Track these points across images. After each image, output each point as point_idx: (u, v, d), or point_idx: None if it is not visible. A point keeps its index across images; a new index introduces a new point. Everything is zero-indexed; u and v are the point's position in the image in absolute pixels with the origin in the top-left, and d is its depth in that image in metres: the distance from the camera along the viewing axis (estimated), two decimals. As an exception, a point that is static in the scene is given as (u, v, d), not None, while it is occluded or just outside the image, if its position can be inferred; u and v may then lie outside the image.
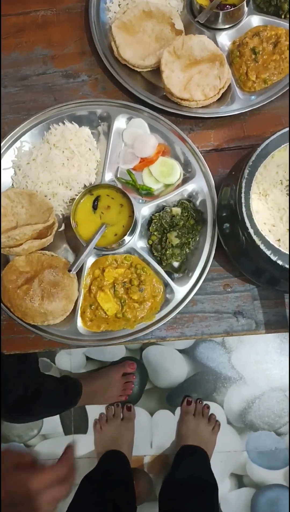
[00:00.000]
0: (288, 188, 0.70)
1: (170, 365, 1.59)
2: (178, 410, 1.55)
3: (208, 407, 1.52)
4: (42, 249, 0.81)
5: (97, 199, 0.80)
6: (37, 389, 1.10)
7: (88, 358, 1.61)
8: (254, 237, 0.65)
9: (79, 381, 1.43)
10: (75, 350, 1.61)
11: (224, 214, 0.76)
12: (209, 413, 1.51)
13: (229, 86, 0.86)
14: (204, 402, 1.53)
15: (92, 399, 1.48)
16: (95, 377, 1.52)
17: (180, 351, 1.60)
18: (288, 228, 0.69)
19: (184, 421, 1.50)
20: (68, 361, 1.61)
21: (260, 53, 0.86)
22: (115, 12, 0.93)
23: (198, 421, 1.49)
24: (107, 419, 1.52)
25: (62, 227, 0.85)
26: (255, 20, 0.90)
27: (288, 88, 0.85)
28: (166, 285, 0.80)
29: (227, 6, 0.88)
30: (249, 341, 1.59)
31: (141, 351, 1.60)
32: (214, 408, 1.54)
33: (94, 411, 1.56)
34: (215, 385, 1.57)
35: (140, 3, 0.88)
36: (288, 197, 0.70)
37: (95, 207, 0.80)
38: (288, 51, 0.85)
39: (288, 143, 0.68)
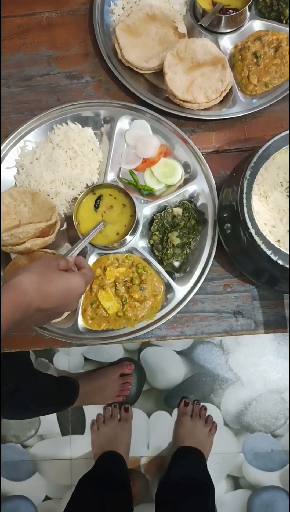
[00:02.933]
0: (288, 190, 0.71)
1: (167, 366, 1.60)
2: (175, 412, 1.56)
3: (205, 409, 1.53)
4: (45, 247, 0.81)
5: (99, 198, 0.81)
6: (29, 384, 1.10)
7: (86, 359, 1.61)
8: (255, 237, 0.66)
9: (76, 380, 1.43)
10: (73, 350, 1.62)
11: (225, 215, 0.77)
12: (206, 415, 1.52)
13: (231, 89, 0.88)
14: (201, 404, 1.54)
15: (89, 399, 1.49)
16: (92, 377, 1.52)
17: (178, 352, 1.60)
18: (288, 229, 0.70)
19: (181, 422, 1.51)
20: (66, 361, 1.62)
21: (262, 57, 0.87)
22: (119, 15, 0.94)
23: (195, 422, 1.49)
24: (104, 420, 1.52)
25: (64, 226, 0.86)
26: (257, 25, 0.91)
27: (288, 92, 0.86)
28: (167, 284, 0.81)
29: (230, 10, 0.89)
30: (247, 343, 1.59)
31: (139, 352, 1.61)
32: (211, 410, 1.54)
33: (91, 411, 1.56)
34: (212, 386, 1.57)
35: (144, 6, 0.89)
36: (288, 198, 0.71)
37: (97, 206, 0.81)
38: (288, 55, 0.86)
39: (289, 146, 0.69)
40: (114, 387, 1.52)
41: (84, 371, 1.60)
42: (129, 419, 1.53)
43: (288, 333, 0.79)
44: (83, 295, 0.80)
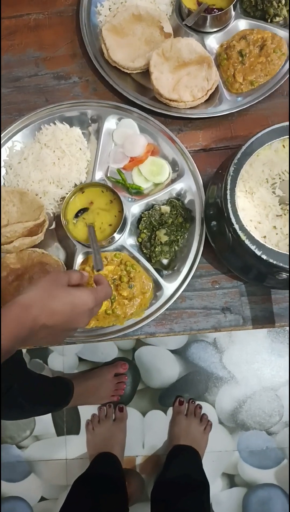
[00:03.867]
0: (273, 186, 0.72)
1: (162, 365, 1.60)
2: (170, 410, 1.56)
3: (200, 407, 1.53)
4: (33, 246, 0.82)
5: (83, 211, 0.81)
6: (22, 383, 1.11)
7: (80, 359, 1.61)
8: (239, 232, 0.66)
9: (71, 381, 1.43)
10: (67, 350, 1.62)
11: (211, 212, 0.78)
12: (201, 413, 1.52)
13: (217, 88, 0.88)
14: (196, 402, 1.54)
15: (84, 399, 1.49)
16: (87, 377, 1.52)
17: (172, 351, 1.61)
18: (273, 225, 0.71)
19: (176, 421, 1.51)
20: (61, 361, 1.62)
21: (247, 55, 0.88)
22: (105, 16, 0.95)
23: (190, 421, 1.49)
24: (99, 420, 1.52)
25: (53, 225, 0.86)
26: (242, 24, 0.92)
27: (274, 90, 0.87)
28: (155, 282, 0.81)
29: (215, 10, 0.90)
30: (240, 341, 1.60)
31: (134, 351, 1.61)
32: (206, 408, 1.55)
33: (86, 412, 1.57)
34: (207, 385, 1.58)
35: (130, 7, 0.90)
36: (273, 195, 0.72)
37: (77, 216, 0.81)
38: (273, 54, 0.87)
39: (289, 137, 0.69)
40: (109, 387, 1.52)
41: (78, 371, 1.61)
42: (124, 419, 1.53)
43: (289, 328, 0.79)
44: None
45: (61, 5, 1.00)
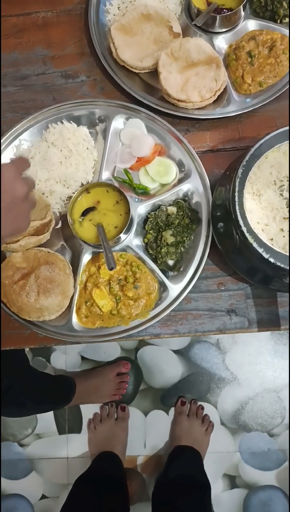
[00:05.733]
0: (281, 188, 0.72)
1: (164, 365, 1.60)
2: (172, 411, 1.56)
3: (202, 408, 1.53)
4: (39, 246, 0.82)
5: (89, 210, 0.81)
6: (24, 381, 1.11)
7: (83, 358, 1.61)
8: (247, 235, 0.66)
9: (73, 379, 1.43)
10: (70, 349, 1.62)
11: (219, 214, 0.78)
12: (203, 414, 1.52)
13: (225, 88, 0.88)
14: (198, 403, 1.54)
15: (86, 398, 1.49)
16: (89, 376, 1.53)
17: (175, 351, 1.61)
18: (281, 227, 0.70)
19: (177, 421, 1.51)
20: (64, 360, 1.62)
21: (256, 56, 0.88)
22: (114, 15, 0.94)
23: (192, 421, 1.49)
24: (101, 419, 1.53)
25: (59, 225, 0.86)
26: (252, 24, 0.91)
27: (282, 91, 0.87)
28: (161, 283, 0.81)
29: (224, 10, 0.89)
30: (243, 342, 1.60)
31: (136, 351, 1.61)
32: (207, 409, 1.55)
33: (88, 410, 1.57)
34: (209, 386, 1.58)
35: (139, 6, 0.90)
36: (281, 197, 0.71)
37: (84, 214, 0.81)
38: (283, 55, 0.87)
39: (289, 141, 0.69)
40: (111, 386, 1.52)
41: (81, 370, 1.61)
42: (126, 418, 1.54)
43: (289, 331, 0.79)
44: (77, 293, 0.81)
45: (70, 4, 0.99)
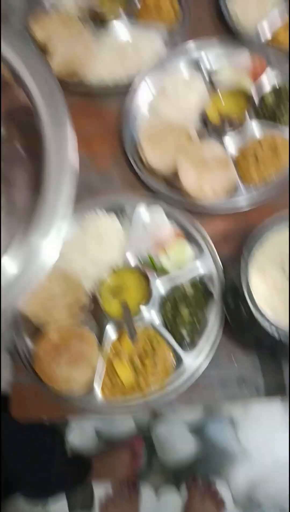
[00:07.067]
0: (286, 267, 0.81)
1: (178, 441, 1.61)
2: (184, 488, 1.53)
3: (215, 486, 1.48)
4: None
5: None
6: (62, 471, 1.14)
7: (97, 432, 1.63)
8: (254, 311, 0.74)
9: (89, 459, 1.45)
10: (85, 423, 1.64)
11: (228, 292, 0.87)
12: (216, 492, 1.47)
13: (235, 183, 1.01)
14: (211, 480, 1.50)
15: (99, 476, 1.49)
16: (103, 454, 1.53)
17: (188, 426, 1.61)
18: (287, 304, 0.78)
19: (190, 502, 1.47)
20: (78, 434, 1.63)
21: (261, 156, 1.02)
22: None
23: (204, 501, 1.45)
24: (113, 499, 1.50)
25: (90, 306, 0.96)
26: (256, 126, 1.06)
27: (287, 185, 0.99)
28: (178, 357, 0.89)
29: (233, 123, 1.06)
30: (255, 414, 1.58)
31: (150, 426, 1.62)
32: (220, 487, 1.52)
33: (100, 487, 1.56)
34: (222, 463, 1.54)
35: (163, 120, 1.09)
36: (285, 276, 0.80)
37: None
38: (284, 156, 1.01)
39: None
40: (124, 465, 1.52)
41: (95, 444, 1.62)
42: (138, 497, 1.51)
43: (288, 400, 0.83)
44: (101, 366, 0.89)
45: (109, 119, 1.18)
